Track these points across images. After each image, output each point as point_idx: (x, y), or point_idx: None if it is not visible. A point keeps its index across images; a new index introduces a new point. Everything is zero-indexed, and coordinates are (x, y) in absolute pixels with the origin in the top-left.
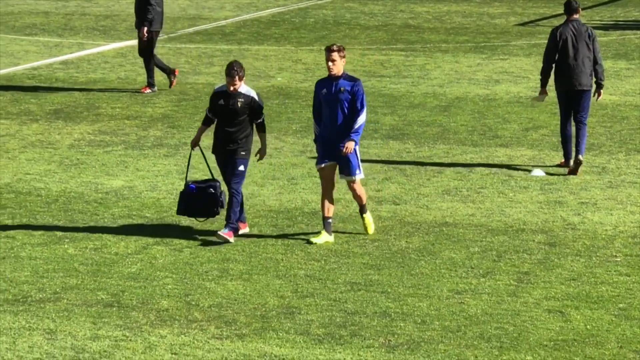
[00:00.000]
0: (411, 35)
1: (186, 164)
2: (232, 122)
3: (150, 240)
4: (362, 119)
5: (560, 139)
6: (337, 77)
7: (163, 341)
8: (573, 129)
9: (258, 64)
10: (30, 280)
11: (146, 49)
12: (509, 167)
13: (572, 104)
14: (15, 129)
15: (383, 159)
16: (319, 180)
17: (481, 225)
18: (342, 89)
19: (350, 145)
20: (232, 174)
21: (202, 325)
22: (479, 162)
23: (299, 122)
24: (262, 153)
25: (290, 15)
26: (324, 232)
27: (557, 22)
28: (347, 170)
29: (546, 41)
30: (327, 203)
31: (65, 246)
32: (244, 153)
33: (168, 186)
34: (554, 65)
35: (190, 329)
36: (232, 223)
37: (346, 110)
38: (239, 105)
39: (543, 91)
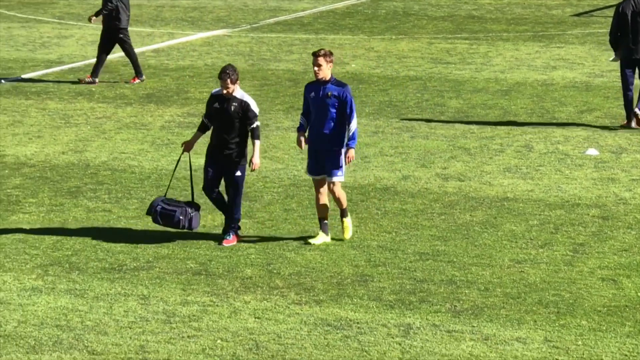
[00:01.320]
0: (475, 25)
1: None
2: (227, 127)
3: None
4: (354, 125)
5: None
6: (325, 82)
7: (247, 306)
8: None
9: (334, 52)
10: (125, 250)
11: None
12: (565, 146)
13: (632, 70)
14: (112, 111)
15: (449, 139)
16: (390, 159)
17: (539, 200)
18: (329, 93)
19: (351, 155)
20: (229, 181)
21: (283, 291)
22: (538, 142)
23: (371, 106)
24: (253, 161)
25: (363, 7)
26: (321, 233)
27: (609, 12)
28: (329, 171)
29: (599, 30)
30: (321, 205)
31: (148, 219)
32: (238, 159)
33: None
34: (617, 35)
35: (271, 295)
36: (234, 227)
37: (333, 115)
38: (233, 109)
39: (616, 54)
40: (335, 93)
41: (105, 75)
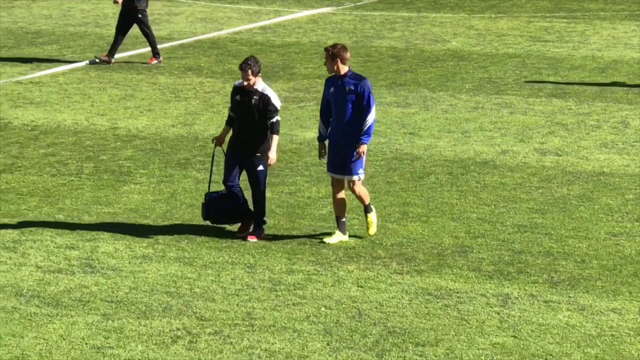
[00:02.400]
0: (572, 4)
1: (210, 162)
2: (248, 120)
3: None
4: (370, 119)
5: None
6: (343, 76)
7: (350, 275)
8: None
9: (435, 29)
10: None
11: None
12: None
13: None
14: (220, 86)
15: (547, 114)
16: (490, 133)
17: (635, 175)
18: (347, 88)
19: (362, 149)
20: (251, 175)
21: (385, 261)
22: (634, 118)
23: (471, 82)
24: (270, 156)
25: None
26: (337, 232)
27: None
28: (348, 169)
29: None
30: (338, 203)
31: None
32: (259, 154)
33: None
34: None
35: (374, 265)
36: (259, 223)
37: (352, 109)
38: (253, 102)
39: None
40: (353, 87)
41: (214, 51)
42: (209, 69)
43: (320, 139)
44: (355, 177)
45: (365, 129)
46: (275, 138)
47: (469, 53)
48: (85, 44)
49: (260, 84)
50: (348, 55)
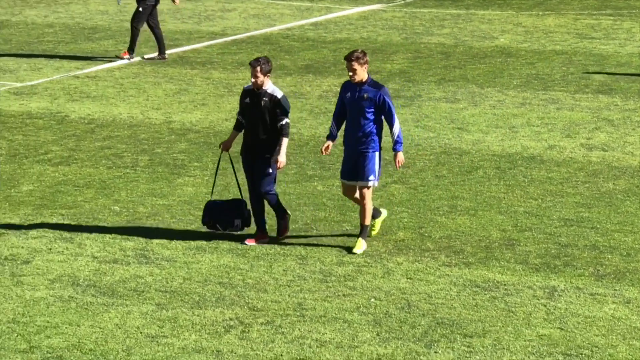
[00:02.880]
0: (619, 2)
1: (215, 167)
2: (257, 122)
3: (389, 179)
4: (397, 128)
5: None
6: (362, 83)
7: (399, 267)
8: None
9: (483, 26)
10: None
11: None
12: None
13: None
14: (272, 81)
15: (593, 110)
16: (537, 129)
17: None
18: (365, 95)
19: (400, 159)
20: (259, 177)
21: (434, 254)
22: None
23: (519, 78)
24: (278, 159)
25: None
26: (377, 220)
27: None
28: (362, 174)
29: None
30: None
31: (315, 184)
32: (269, 156)
33: (405, 132)
34: None
35: (423, 257)
36: (285, 219)
37: (368, 117)
38: (263, 104)
39: None
40: (371, 95)
41: (266, 47)
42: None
43: (330, 137)
44: (363, 183)
45: (396, 138)
46: (285, 140)
47: (516, 50)
48: (140, 40)
49: (269, 86)
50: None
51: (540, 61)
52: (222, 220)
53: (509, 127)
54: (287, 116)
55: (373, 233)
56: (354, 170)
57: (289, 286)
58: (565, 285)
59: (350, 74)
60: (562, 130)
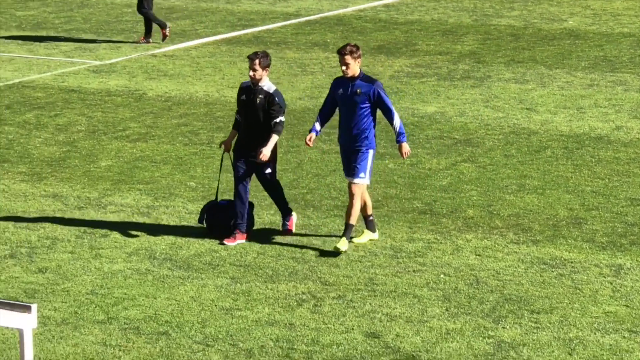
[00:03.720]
0: None
1: (219, 166)
2: (253, 120)
3: (459, 158)
4: (397, 121)
5: None
6: (354, 78)
7: (468, 244)
8: None
9: (552, 9)
10: None
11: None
12: None
13: None
14: None
15: None
16: (604, 110)
17: None
18: (358, 90)
19: (406, 150)
20: (260, 179)
21: (502, 231)
22: None
23: (587, 60)
24: (263, 151)
25: None
26: (366, 231)
27: None
28: (353, 171)
29: None
30: (362, 203)
31: (386, 161)
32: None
33: (474, 112)
34: None
35: (491, 235)
36: (288, 217)
37: (362, 113)
38: (258, 101)
39: None
40: (365, 90)
41: (339, 27)
42: (335, 45)
43: (313, 130)
44: (356, 180)
45: (398, 130)
46: (274, 137)
47: (584, 32)
48: (217, 19)
49: (266, 83)
50: None
51: (608, 43)
52: (224, 223)
53: (576, 108)
54: (282, 115)
55: (355, 240)
56: (350, 167)
57: (360, 261)
58: (631, 263)
59: (344, 67)
60: (630, 111)
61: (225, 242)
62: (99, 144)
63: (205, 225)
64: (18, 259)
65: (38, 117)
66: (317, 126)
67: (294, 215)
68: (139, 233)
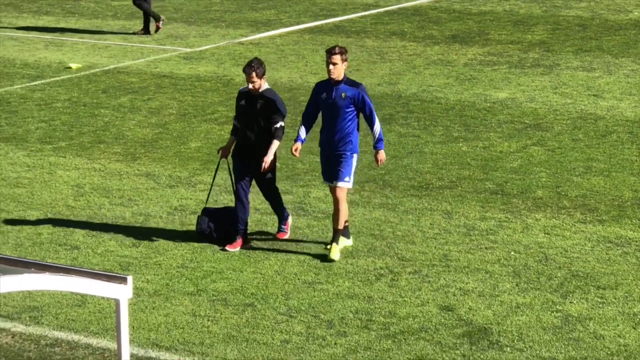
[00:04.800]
0: None
1: (222, 170)
2: (253, 125)
3: (529, 141)
4: (377, 127)
5: None
6: (338, 82)
7: (537, 223)
8: None
9: (619, 0)
10: (431, 171)
11: None
12: None
13: None
14: (421, 49)
15: None
16: None
17: None
18: (343, 94)
19: (381, 157)
20: (260, 184)
21: (570, 211)
22: None
23: None
24: (265, 159)
25: None
26: (341, 238)
27: None
28: (336, 175)
29: None
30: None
31: (460, 144)
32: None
33: (543, 98)
34: None
35: (559, 214)
36: (284, 221)
37: (346, 117)
38: (259, 106)
39: None
40: (350, 94)
41: (416, 17)
42: (412, 34)
43: (298, 139)
44: (341, 184)
45: (377, 136)
46: (275, 143)
47: None
48: (300, 10)
49: (265, 88)
50: None
51: None
52: (220, 228)
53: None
54: (282, 120)
55: (331, 252)
56: (333, 171)
57: (435, 239)
58: None
59: (331, 67)
60: None
61: (227, 248)
62: (189, 126)
63: (206, 233)
64: (113, 234)
65: (132, 100)
66: (302, 134)
67: (290, 219)
68: None
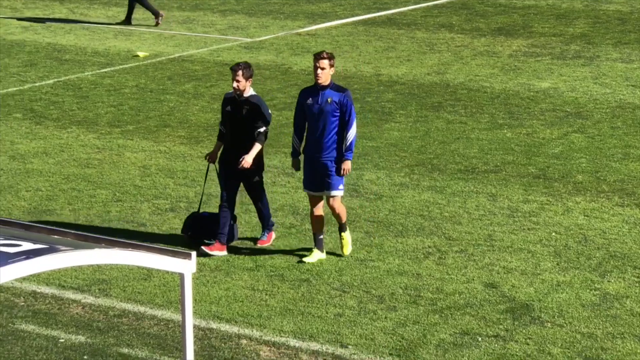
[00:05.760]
0: None
1: (204, 177)
2: (239, 130)
3: (570, 129)
4: (352, 134)
5: None
6: (324, 87)
7: (577, 206)
8: None
9: None
10: (477, 156)
11: None
12: None
13: None
14: (468, 41)
15: None
16: None
17: None
18: (329, 99)
19: (347, 167)
20: (248, 187)
21: (608, 195)
22: None
23: None
24: (245, 158)
25: None
26: (315, 250)
27: None
28: (327, 185)
29: None
30: (316, 219)
31: (504, 131)
32: (254, 166)
33: (584, 88)
34: None
35: (598, 198)
36: (268, 227)
37: (332, 123)
38: (244, 112)
39: None
40: (336, 99)
41: (463, 11)
42: (459, 26)
43: (294, 154)
44: (334, 193)
45: (348, 144)
46: (257, 146)
47: None
48: (354, 2)
49: (250, 93)
50: None
51: None
52: (206, 234)
53: None
54: (266, 125)
55: (305, 259)
56: (321, 180)
57: (480, 220)
58: None
59: (318, 72)
60: None
61: (203, 247)
62: None
63: (188, 235)
64: (177, 212)
65: (196, 87)
66: (298, 146)
67: (274, 234)
68: (284, 191)
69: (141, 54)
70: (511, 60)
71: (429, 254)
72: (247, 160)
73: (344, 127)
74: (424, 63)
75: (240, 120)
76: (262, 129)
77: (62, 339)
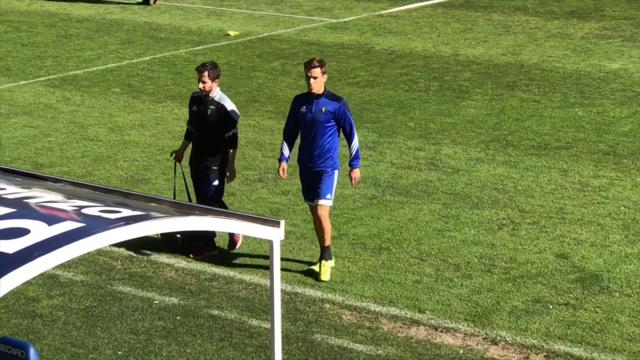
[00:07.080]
0: None
1: (183, 180)
2: (204, 131)
3: (639, 108)
4: (355, 143)
5: None
6: (319, 95)
7: None
8: None
9: None
10: (550, 133)
11: None
12: None
13: None
14: (542, 24)
15: None
16: None
17: None
18: (323, 108)
19: (356, 175)
20: (207, 190)
21: None
22: None
23: None
24: (229, 173)
25: None
26: (324, 263)
27: None
28: (317, 192)
29: None
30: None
31: (576, 109)
32: (216, 167)
33: None
34: None
35: None
36: (208, 240)
37: (326, 132)
38: (210, 112)
39: None
40: (331, 108)
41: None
42: (534, 9)
43: (282, 159)
44: (322, 202)
45: (354, 153)
46: (232, 152)
47: None
48: None
49: (217, 94)
50: None
51: None
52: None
53: None
54: (235, 127)
55: (321, 272)
56: (313, 189)
57: (552, 194)
58: None
59: (311, 81)
60: None
61: (191, 256)
62: (333, 88)
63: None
64: (265, 183)
65: (283, 65)
66: (286, 152)
67: (209, 247)
68: (366, 164)
69: (232, 33)
70: (583, 42)
71: (503, 225)
72: (230, 174)
73: (346, 138)
74: (499, 44)
75: (206, 120)
76: (231, 132)
77: (157, 300)
